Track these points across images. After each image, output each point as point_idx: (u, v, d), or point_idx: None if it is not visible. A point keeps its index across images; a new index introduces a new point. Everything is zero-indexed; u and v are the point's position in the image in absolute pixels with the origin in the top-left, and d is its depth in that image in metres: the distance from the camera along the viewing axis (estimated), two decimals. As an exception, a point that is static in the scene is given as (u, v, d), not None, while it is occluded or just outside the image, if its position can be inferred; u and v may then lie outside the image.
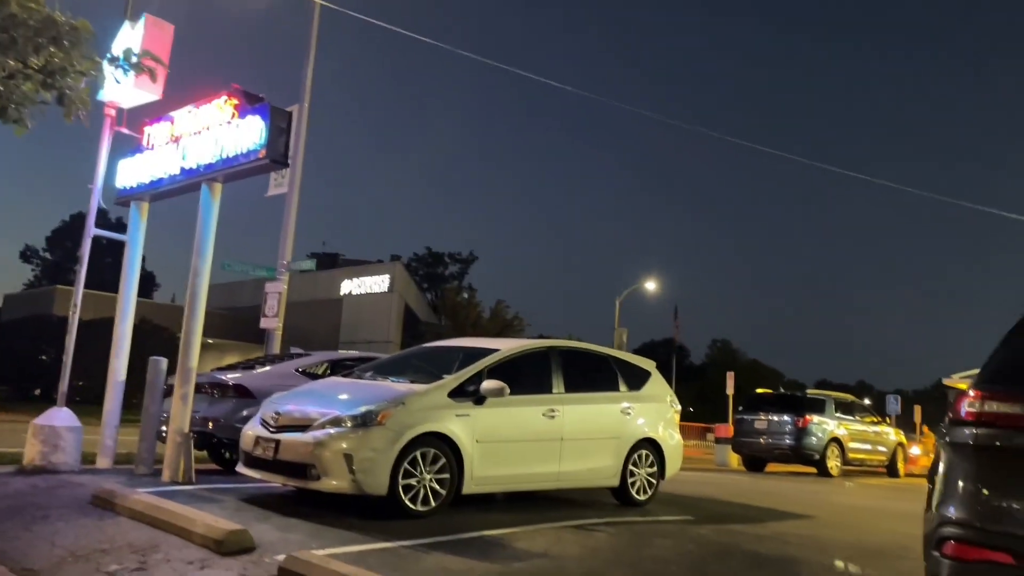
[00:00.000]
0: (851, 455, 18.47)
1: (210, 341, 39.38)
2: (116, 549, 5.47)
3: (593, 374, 9.16)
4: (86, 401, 17.93)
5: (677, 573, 5.75)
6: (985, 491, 3.05)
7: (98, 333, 17.14)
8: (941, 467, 3.30)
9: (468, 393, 7.57)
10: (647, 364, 10.01)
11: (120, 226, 11.32)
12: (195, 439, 8.62)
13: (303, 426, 7.12)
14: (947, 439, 3.29)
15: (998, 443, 3.08)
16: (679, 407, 10.00)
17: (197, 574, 4.95)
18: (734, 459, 19.56)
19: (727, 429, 20.13)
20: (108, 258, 44.13)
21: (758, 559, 6.52)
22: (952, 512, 3.11)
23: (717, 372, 51.96)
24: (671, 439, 9.52)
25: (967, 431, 3.17)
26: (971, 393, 3.21)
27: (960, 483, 3.14)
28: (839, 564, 6.59)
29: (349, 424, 6.92)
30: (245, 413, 8.80)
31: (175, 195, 9.58)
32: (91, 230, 9.24)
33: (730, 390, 24.26)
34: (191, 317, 8.64)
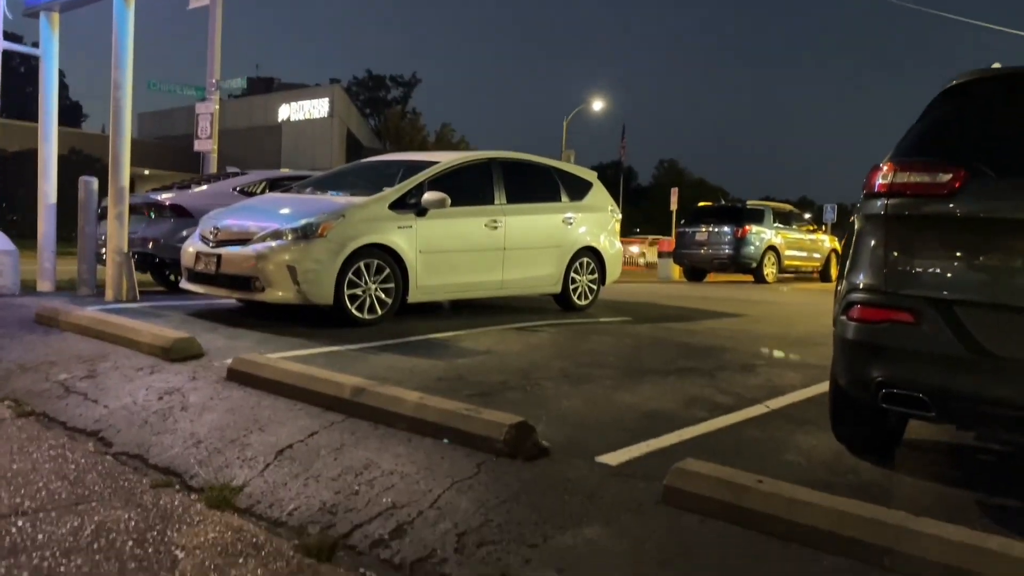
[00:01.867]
0: (787, 263, 19.23)
1: (146, 172, 38.23)
2: (64, 360, 5.55)
3: (535, 185, 9.19)
4: (21, 236, 17.50)
5: (613, 362, 6.08)
6: (893, 257, 3.22)
7: (26, 165, 16.47)
8: (853, 241, 3.46)
9: (409, 205, 7.57)
10: (589, 175, 10.06)
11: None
12: (136, 260, 8.56)
13: (243, 240, 7.10)
14: (860, 213, 3.43)
15: (907, 212, 3.22)
16: (619, 216, 10.19)
17: (147, 379, 5.08)
18: (676, 272, 20.24)
19: (669, 243, 20.68)
20: (29, 87, 41.66)
21: (689, 348, 6.92)
22: (861, 279, 3.30)
23: (663, 193, 52.59)
24: (612, 247, 9.76)
25: (879, 203, 3.30)
26: (884, 166, 3.31)
27: (870, 253, 3.31)
28: (764, 351, 7.03)
29: (290, 237, 6.92)
30: (184, 233, 8.72)
31: (86, 3, 8.93)
32: (-1, 44, 8.64)
33: (674, 206, 24.69)
34: (117, 133, 8.32)
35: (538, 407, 4.49)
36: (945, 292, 3.05)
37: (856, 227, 3.44)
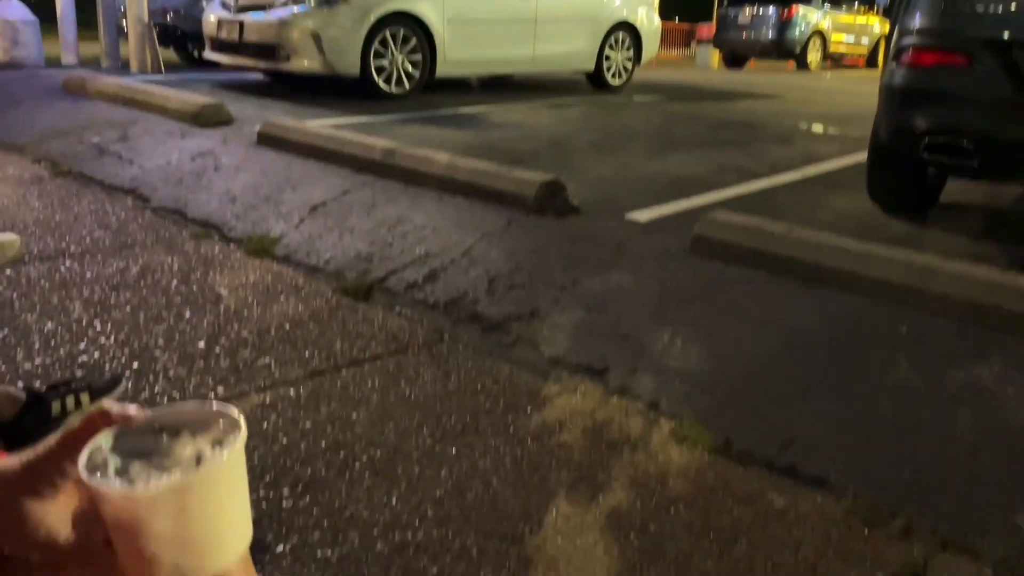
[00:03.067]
0: (833, 48, 18.25)
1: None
2: (96, 125, 5.56)
3: (570, -47, 8.61)
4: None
5: (645, 134, 5.97)
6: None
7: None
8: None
9: (437, -28, 7.16)
10: (628, -59, 9.37)
11: None
12: (158, 33, 8.33)
13: (265, 6, 6.83)
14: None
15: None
16: (660, -11, 9.60)
17: (179, 142, 5.09)
18: (715, 60, 19.34)
19: (709, 29, 19.59)
20: None
21: (724, 123, 6.74)
22: (916, 22, 3.11)
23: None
24: (650, 24, 9.28)
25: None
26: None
27: (928, -3, 3.09)
28: (802, 126, 6.84)
29: (312, 3, 6.63)
30: (204, 2, 8.40)
31: None
32: None
33: (716, -14, 23.14)
34: None
35: (568, 171, 4.47)
36: (1004, 34, 2.87)
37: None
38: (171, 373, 2.36)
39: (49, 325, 2.63)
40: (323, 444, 2.04)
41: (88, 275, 3.08)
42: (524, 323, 2.83)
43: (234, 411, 0.55)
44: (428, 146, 4.60)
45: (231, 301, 2.93)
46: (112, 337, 2.58)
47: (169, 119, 5.60)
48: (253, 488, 1.83)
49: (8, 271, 3.04)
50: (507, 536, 1.73)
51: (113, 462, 0.52)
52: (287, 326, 2.73)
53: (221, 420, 0.55)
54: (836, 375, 2.40)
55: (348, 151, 4.52)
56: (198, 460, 0.52)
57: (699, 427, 2.20)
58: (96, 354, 2.46)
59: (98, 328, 2.64)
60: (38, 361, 2.40)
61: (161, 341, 2.56)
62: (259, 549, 1.63)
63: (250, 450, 1.98)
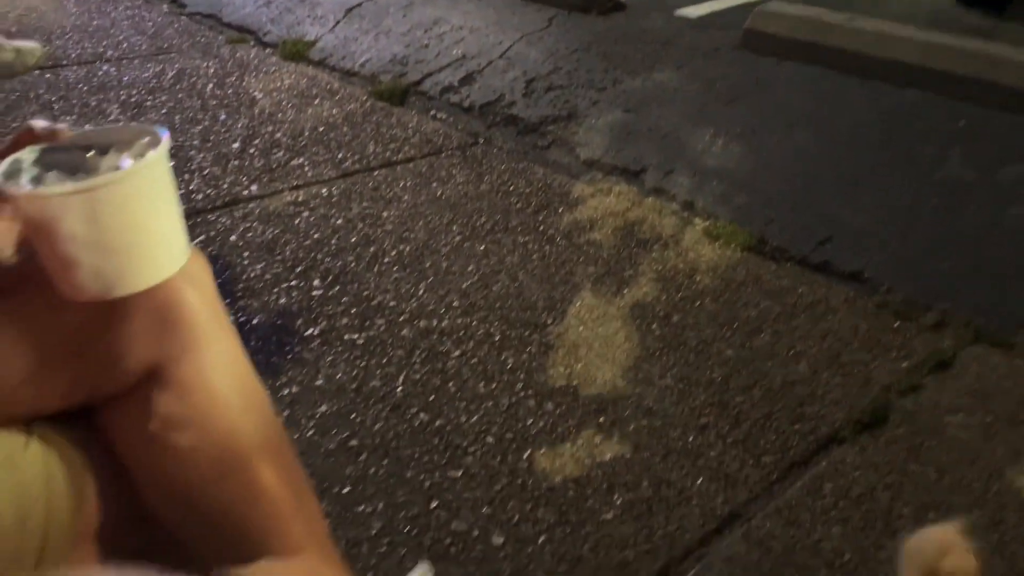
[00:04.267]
0: None
1: None
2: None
3: None
4: None
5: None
6: None
7: None
8: None
9: None
10: None
11: None
12: None
13: None
14: None
15: None
16: None
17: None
18: None
19: None
20: None
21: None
22: None
23: None
24: None
25: None
26: None
27: None
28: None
29: None
30: None
31: None
32: None
33: None
34: None
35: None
36: None
37: None
38: (206, 172, 2.38)
39: (88, 128, 2.65)
40: (353, 239, 2.06)
41: (125, 79, 3.07)
42: (561, 125, 2.74)
43: (159, 129, 0.53)
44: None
45: (266, 104, 2.90)
46: (149, 140, 2.59)
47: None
48: (285, 279, 1.88)
49: (47, 74, 3.05)
50: (530, 324, 1.76)
51: (30, 172, 0.52)
52: (321, 129, 2.70)
53: (148, 138, 0.53)
54: (883, 171, 2.29)
55: (384, -51, 4.28)
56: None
57: (734, 225, 2.15)
58: (134, 156, 2.49)
59: (135, 131, 2.66)
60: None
61: (196, 142, 2.57)
62: (288, 333, 1.69)
63: (282, 244, 2.02)
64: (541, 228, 2.15)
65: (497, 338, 1.71)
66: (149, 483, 0.65)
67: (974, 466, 1.43)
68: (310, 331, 1.71)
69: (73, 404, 0.64)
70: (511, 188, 2.37)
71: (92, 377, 0.63)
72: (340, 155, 2.52)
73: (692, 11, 3.50)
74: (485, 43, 3.34)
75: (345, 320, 1.75)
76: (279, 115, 2.79)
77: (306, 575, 0.65)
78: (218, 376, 0.66)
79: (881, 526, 1.30)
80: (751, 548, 1.25)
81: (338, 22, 3.71)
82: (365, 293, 1.84)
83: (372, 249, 2.02)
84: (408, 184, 2.37)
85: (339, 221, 2.14)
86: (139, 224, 0.52)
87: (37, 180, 0.52)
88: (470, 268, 1.97)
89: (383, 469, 1.37)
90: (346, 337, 1.69)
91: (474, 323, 1.76)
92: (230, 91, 3.00)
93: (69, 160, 0.53)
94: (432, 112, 2.91)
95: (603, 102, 2.83)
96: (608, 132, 2.66)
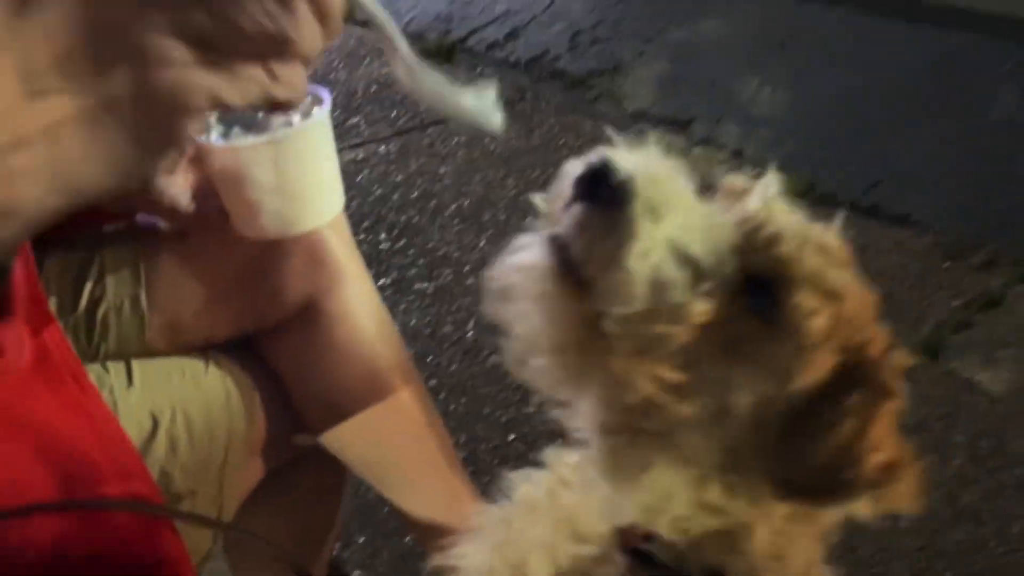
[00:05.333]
0: None
1: None
2: None
3: None
4: None
5: None
6: None
7: None
8: None
9: None
10: None
11: None
12: None
13: None
14: None
15: None
16: None
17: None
18: None
19: None
20: None
21: None
22: None
23: None
24: None
25: None
26: None
27: None
28: None
29: None
30: None
31: None
32: None
33: None
34: None
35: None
36: None
37: None
38: (268, 134, 2.48)
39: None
40: (414, 195, 2.15)
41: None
42: (607, 78, 2.78)
43: (322, 90, 0.62)
44: None
45: (318, 65, 2.97)
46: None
47: None
48: (354, 232, 1.97)
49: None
50: (589, 271, 1.84)
51: (217, 129, 0.61)
52: (373, 88, 2.78)
53: (310, 97, 0.62)
54: (931, 114, 2.31)
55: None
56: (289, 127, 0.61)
57: (782, 171, 2.19)
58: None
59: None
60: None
61: (255, 105, 2.66)
62: (363, 283, 1.79)
63: (349, 199, 2.11)
64: (594, 179, 2.22)
65: (559, 285, 1.80)
66: (307, 401, 0.75)
67: (1023, 396, 1.49)
68: (382, 281, 1.80)
69: (241, 333, 0.74)
70: (561, 142, 2.43)
71: (258, 309, 0.73)
72: (394, 114, 2.60)
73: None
74: (528, -2, 3.37)
75: (414, 271, 1.84)
76: (331, 76, 2.87)
77: (446, 494, 0.74)
78: (360, 308, 0.75)
79: (935, 455, 1.37)
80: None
81: (381, -19, 3.76)
82: (430, 245, 1.94)
83: (433, 203, 2.11)
84: (461, 140, 2.44)
85: (399, 177, 2.23)
86: (312, 172, 0.61)
87: (225, 136, 0.61)
88: (527, 220, 2.04)
89: (462, 407, 1.47)
90: (416, 287, 1.79)
91: (536, 271, 1.84)
92: (282, 54, 3.08)
93: (244, 118, 0.62)
94: (479, 68, 2.97)
95: (648, 53, 2.86)
96: (655, 83, 2.69)
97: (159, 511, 0.57)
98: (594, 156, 0.51)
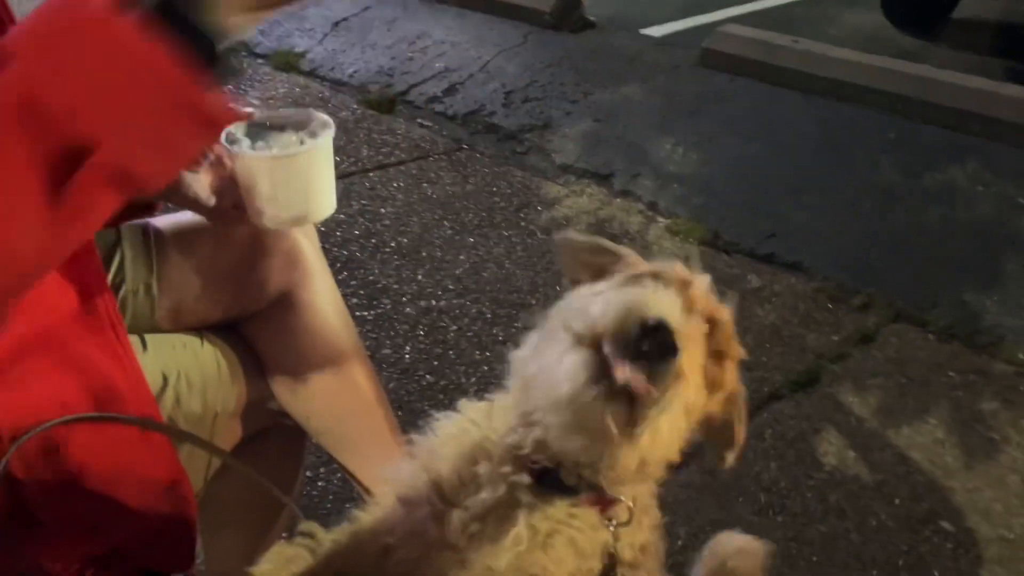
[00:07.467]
0: None
1: None
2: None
3: None
4: None
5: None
6: None
7: None
8: None
9: None
10: None
11: None
12: None
13: None
14: None
15: None
16: None
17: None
18: None
19: None
20: None
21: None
22: None
23: None
24: None
25: None
26: None
27: None
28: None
29: None
30: None
31: None
32: None
33: None
34: None
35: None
36: None
37: None
38: (217, 173, 2.61)
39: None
40: (356, 232, 2.31)
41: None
42: (537, 133, 3.02)
43: (325, 116, 0.80)
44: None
45: (261, 112, 3.13)
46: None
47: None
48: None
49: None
50: (517, 304, 2.03)
51: (245, 141, 0.78)
52: (317, 134, 2.94)
53: (315, 121, 0.80)
54: (823, 176, 2.61)
55: (367, -34, 4.54)
56: (301, 144, 0.78)
57: (692, 223, 2.44)
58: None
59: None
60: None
61: (204, 146, 2.79)
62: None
63: (293, 235, 2.26)
64: (523, 224, 2.42)
65: (489, 315, 1.98)
66: (280, 375, 0.91)
67: (889, 416, 1.72)
68: (325, 309, 1.95)
69: (229, 317, 0.90)
70: (494, 189, 2.64)
71: (245, 297, 0.88)
72: (336, 158, 2.76)
73: (655, 31, 3.81)
74: (466, 57, 3.60)
75: (355, 300, 2.00)
76: (278, 121, 3.02)
77: (389, 460, 0.90)
78: (326, 300, 0.92)
79: (809, 461, 1.59)
80: (703, 476, 1.53)
81: (326, 35, 3.95)
82: (371, 277, 2.10)
83: (374, 240, 2.27)
84: (401, 185, 2.62)
85: (341, 216, 2.39)
86: (315, 179, 0.79)
87: (252, 147, 0.78)
88: (461, 257, 2.23)
89: (398, 419, 1.62)
90: (357, 314, 1.94)
91: (468, 303, 2.02)
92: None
93: (261, 135, 0.80)
94: (419, 120, 3.17)
95: (575, 113, 3.11)
96: (580, 140, 2.94)
97: (168, 431, 0.74)
98: (652, 316, 0.58)
